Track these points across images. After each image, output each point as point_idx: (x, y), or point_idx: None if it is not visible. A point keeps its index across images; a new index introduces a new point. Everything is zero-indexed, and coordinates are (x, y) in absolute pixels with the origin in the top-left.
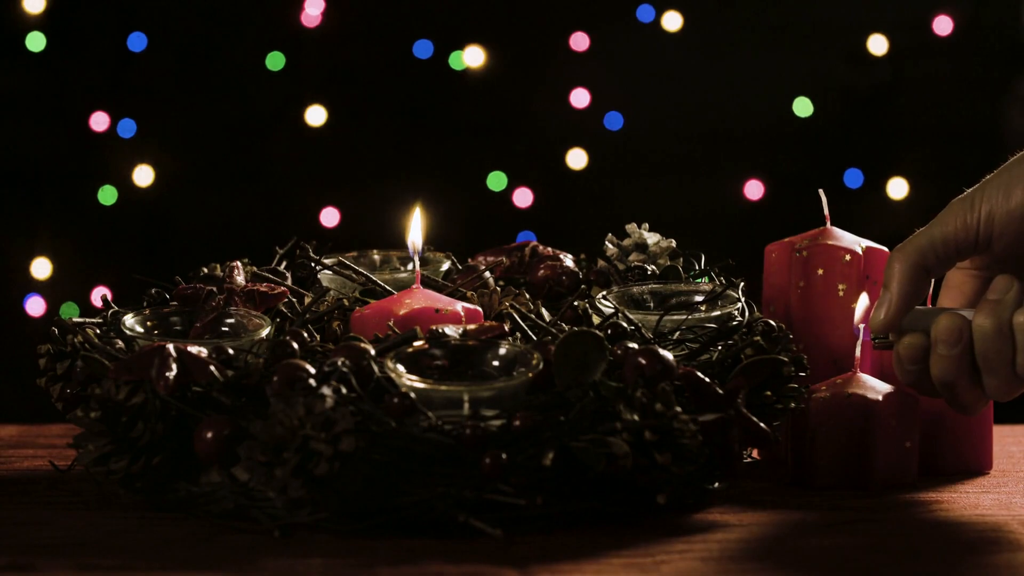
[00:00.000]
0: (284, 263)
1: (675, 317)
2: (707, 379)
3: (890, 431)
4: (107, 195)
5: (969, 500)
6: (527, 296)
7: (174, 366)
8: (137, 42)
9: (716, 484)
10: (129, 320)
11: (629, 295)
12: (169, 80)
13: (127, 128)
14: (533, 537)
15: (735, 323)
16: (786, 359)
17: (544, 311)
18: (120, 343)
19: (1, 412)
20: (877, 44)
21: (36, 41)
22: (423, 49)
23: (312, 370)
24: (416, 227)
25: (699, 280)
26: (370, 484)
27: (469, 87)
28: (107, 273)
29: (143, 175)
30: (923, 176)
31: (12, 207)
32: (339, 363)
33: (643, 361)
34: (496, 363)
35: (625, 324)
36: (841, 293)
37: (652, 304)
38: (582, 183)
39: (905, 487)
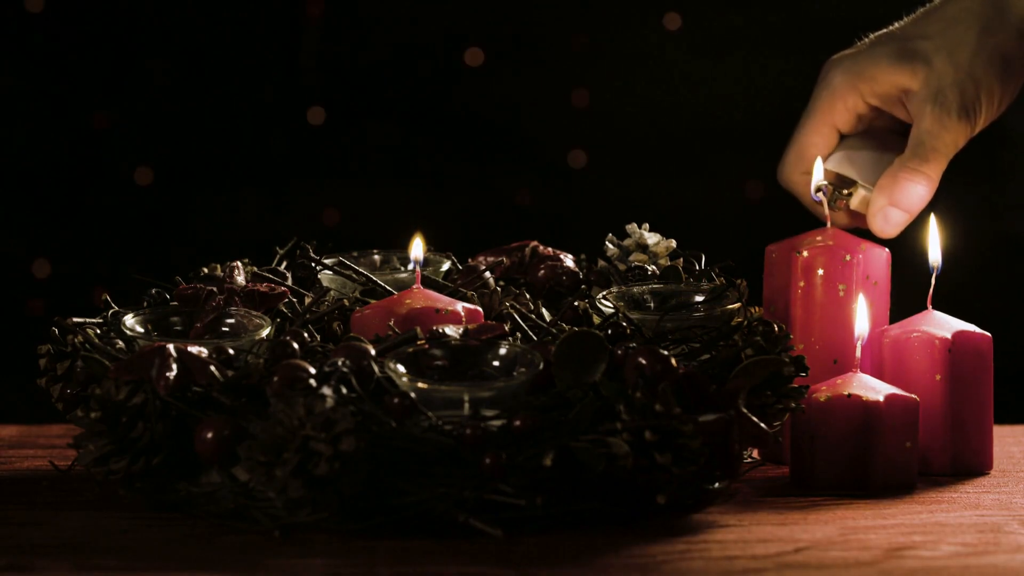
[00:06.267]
0: (284, 263)
1: (675, 317)
2: (707, 379)
3: (890, 431)
4: (107, 195)
5: (969, 500)
6: (527, 296)
7: (174, 366)
8: (137, 42)
9: (716, 484)
10: (129, 320)
11: (629, 295)
12: (169, 80)
13: (127, 128)
14: (533, 538)
15: (735, 323)
16: (786, 359)
17: (544, 311)
18: (120, 343)
19: (1, 412)
20: None
21: (36, 41)
22: (423, 49)
23: (312, 370)
24: (417, 248)
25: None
26: (370, 484)
27: (469, 87)
28: (107, 273)
29: (143, 175)
30: None
31: (12, 207)
32: (339, 363)
33: (643, 361)
34: (496, 363)
35: (625, 324)
36: (841, 293)
37: (652, 304)
38: (582, 183)
39: (905, 487)
